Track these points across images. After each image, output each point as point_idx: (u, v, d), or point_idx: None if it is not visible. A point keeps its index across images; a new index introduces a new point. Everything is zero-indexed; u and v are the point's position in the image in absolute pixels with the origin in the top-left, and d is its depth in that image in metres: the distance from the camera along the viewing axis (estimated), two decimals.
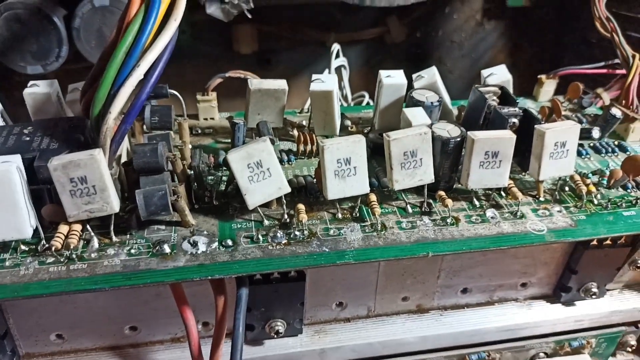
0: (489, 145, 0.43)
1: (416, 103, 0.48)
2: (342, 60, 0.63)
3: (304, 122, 0.54)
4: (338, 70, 0.66)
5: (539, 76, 0.61)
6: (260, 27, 0.86)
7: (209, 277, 0.38)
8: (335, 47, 0.61)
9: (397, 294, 0.48)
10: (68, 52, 0.66)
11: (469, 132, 0.43)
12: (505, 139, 0.43)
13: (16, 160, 0.37)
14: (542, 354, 0.53)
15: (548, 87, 0.61)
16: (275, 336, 0.46)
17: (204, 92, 0.54)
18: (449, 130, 0.44)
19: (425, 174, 0.43)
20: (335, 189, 0.42)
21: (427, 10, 0.88)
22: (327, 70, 0.58)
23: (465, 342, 0.50)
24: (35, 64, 0.65)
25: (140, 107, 0.40)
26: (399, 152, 0.42)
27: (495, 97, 0.50)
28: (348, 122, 0.53)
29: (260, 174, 0.41)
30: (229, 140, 0.52)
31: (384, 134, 0.42)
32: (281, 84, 0.49)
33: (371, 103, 0.71)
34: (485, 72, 0.53)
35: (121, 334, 0.45)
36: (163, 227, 0.42)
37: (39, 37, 0.64)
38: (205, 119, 0.55)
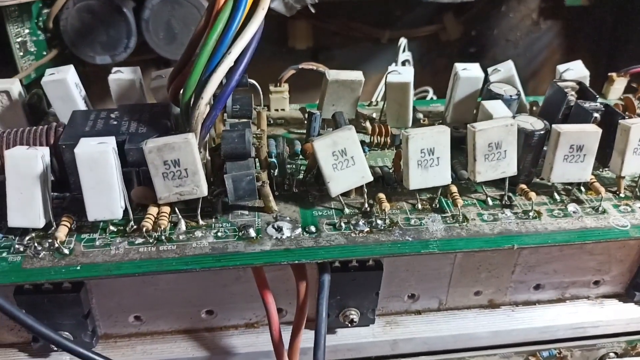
0: (574, 138, 0.42)
1: (494, 96, 0.48)
2: (407, 55, 0.63)
3: (374, 115, 0.54)
4: (403, 64, 0.66)
5: (609, 74, 0.60)
6: (316, 23, 0.86)
7: (296, 262, 0.38)
8: (403, 41, 0.61)
9: (470, 287, 0.48)
10: (136, 44, 0.67)
11: (554, 125, 0.43)
12: (591, 132, 0.42)
13: (111, 141, 0.38)
14: (612, 354, 0.52)
15: (618, 85, 0.60)
16: (349, 325, 0.46)
17: (276, 83, 0.55)
18: (532, 123, 0.44)
19: (509, 167, 0.43)
20: (417, 179, 0.42)
21: (484, 9, 0.88)
22: (392, 65, 0.58)
23: (536, 339, 0.50)
24: (103, 55, 0.67)
25: (231, 93, 0.40)
26: (484, 143, 0.41)
27: (573, 92, 0.49)
28: (420, 115, 0.53)
29: (344, 162, 0.41)
30: (302, 131, 0.52)
31: (468, 125, 0.42)
32: (357, 75, 0.49)
33: (435, 98, 0.71)
34: (561, 67, 0.53)
35: (197, 317, 0.46)
36: (247, 212, 0.42)
37: (109, 28, 0.66)
38: (277, 110, 0.55)
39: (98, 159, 0.37)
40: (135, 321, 0.45)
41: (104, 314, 0.45)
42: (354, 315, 0.46)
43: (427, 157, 0.41)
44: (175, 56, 0.67)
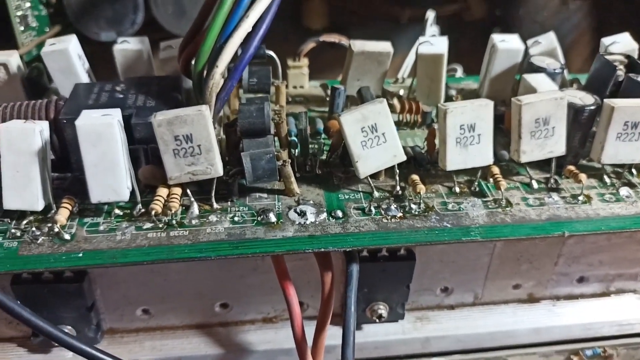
0: (629, 114, 0.38)
1: (536, 70, 0.44)
2: (435, 30, 0.58)
3: (401, 92, 0.50)
4: None
5: None
6: (331, 1, 0.82)
7: (322, 250, 0.34)
8: (430, 14, 0.57)
9: (509, 280, 0.44)
10: (143, 19, 0.63)
11: (606, 100, 0.38)
12: None
13: (116, 114, 0.34)
14: None
15: None
16: (377, 320, 0.42)
17: (295, 57, 0.50)
18: (581, 98, 0.40)
19: (557, 145, 0.38)
20: (455, 159, 0.38)
21: None
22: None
23: (579, 336, 0.45)
24: (109, 31, 0.63)
25: (248, 62, 0.36)
26: (530, 118, 0.37)
27: (621, 66, 0.45)
28: (453, 92, 0.49)
29: (374, 139, 0.37)
30: (323, 109, 0.48)
31: (513, 99, 0.38)
32: (386, 46, 0.45)
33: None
34: (606, 40, 0.48)
35: (211, 311, 0.42)
36: (265, 195, 0.38)
37: (115, 3, 0.61)
38: (295, 87, 0.51)
39: (102, 133, 0.33)
40: (143, 315, 0.42)
41: (110, 307, 0.41)
42: (382, 310, 0.42)
43: (467, 134, 0.37)
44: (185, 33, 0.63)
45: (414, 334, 0.43)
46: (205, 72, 0.36)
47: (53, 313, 0.39)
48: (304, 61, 0.50)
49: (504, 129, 0.44)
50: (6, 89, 0.44)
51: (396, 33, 0.83)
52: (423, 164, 0.41)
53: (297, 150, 0.41)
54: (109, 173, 0.34)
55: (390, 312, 0.42)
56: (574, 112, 0.39)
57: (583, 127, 0.40)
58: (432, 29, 0.56)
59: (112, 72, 0.47)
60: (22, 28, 0.57)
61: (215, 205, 0.37)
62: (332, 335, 0.39)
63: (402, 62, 0.64)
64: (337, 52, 0.57)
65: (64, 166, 0.39)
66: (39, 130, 0.34)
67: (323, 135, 0.44)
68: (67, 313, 0.39)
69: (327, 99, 0.49)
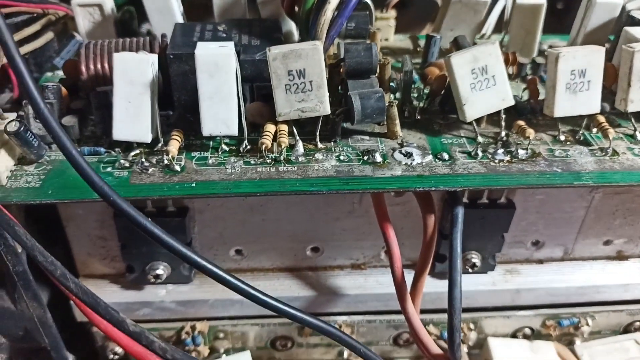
0: None
1: (637, 23, 0.43)
2: None
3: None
4: None
5: None
6: None
7: (432, 189, 0.34)
8: None
9: (601, 236, 0.43)
10: None
11: None
12: None
13: (231, 46, 0.34)
14: None
15: None
16: (470, 270, 0.42)
17: (382, 8, 0.50)
18: None
19: None
20: (564, 105, 0.37)
21: None
22: None
23: None
24: None
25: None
26: None
27: None
28: (545, 46, 0.48)
29: (484, 81, 0.36)
30: (415, 61, 0.47)
31: (623, 46, 0.37)
32: None
33: None
34: None
35: (302, 254, 0.42)
36: (367, 137, 0.38)
37: None
38: (380, 40, 0.50)
39: (220, 63, 0.33)
40: (236, 255, 0.42)
41: (205, 245, 0.41)
42: (476, 259, 0.42)
43: (577, 80, 0.36)
44: None
45: (505, 285, 0.43)
46: (314, 10, 0.36)
47: (151, 248, 0.39)
48: (392, 12, 0.50)
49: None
50: (99, 30, 0.45)
51: None
52: (524, 113, 0.40)
53: (394, 96, 0.41)
54: (223, 106, 0.34)
55: (482, 262, 0.42)
56: None
57: None
58: None
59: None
60: None
61: (320, 145, 0.37)
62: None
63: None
64: (417, 8, 0.57)
65: (165, 104, 0.39)
66: (151, 62, 0.34)
67: (416, 84, 0.44)
68: (163, 249, 0.40)
69: (418, 50, 0.48)
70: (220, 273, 0.30)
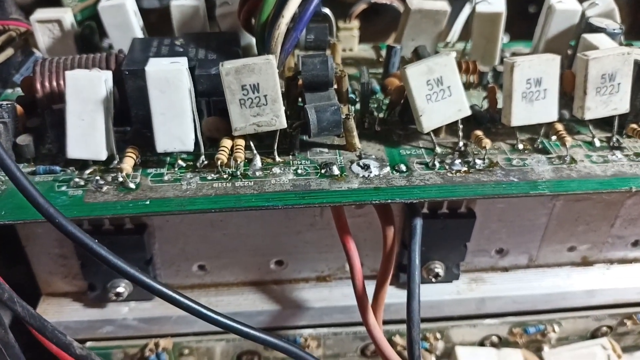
0: None
1: (595, 30, 0.43)
2: None
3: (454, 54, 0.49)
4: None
5: None
6: None
7: (388, 201, 0.34)
8: None
9: (564, 242, 0.43)
10: None
11: None
12: None
13: (184, 62, 0.34)
14: None
15: None
16: (434, 280, 0.42)
17: (345, 19, 0.50)
18: None
19: (621, 102, 0.38)
20: (521, 114, 0.37)
21: None
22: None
23: (634, 300, 0.45)
24: None
25: (314, 12, 0.36)
26: (597, 74, 0.37)
27: None
28: (507, 54, 0.49)
29: (439, 92, 0.36)
30: (375, 71, 0.47)
31: (579, 54, 0.37)
32: (443, 4, 0.44)
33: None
34: (585, 4, 0.47)
35: (266, 268, 0.42)
36: (326, 150, 0.38)
37: None
38: (344, 50, 0.50)
39: (171, 79, 0.33)
40: (199, 270, 0.42)
41: (166, 262, 0.41)
42: (439, 268, 0.42)
43: (533, 89, 0.37)
44: None
45: (470, 294, 0.43)
46: (268, 24, 0.36)
47: None
48: (354, 23, 0.50)
49: (561, 91, 0.43)
50: (59, 45, 0.44)
51: None
52: (483, 122, 0.41)
53: (353, 108, 0.41)
54: (176, 122, 0.34)
55: (446, 271, 0.42)
56: (639, 69, 0.38)
57: None
58: None
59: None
60: None
61: (278, 159, 0.37)
62: (388, 294, 0.39)
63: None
64: (382, 17, 0.57)
65: (122, 120, 0.39)
66: (104, 79, 0.34)
67: (378, 95, 0.44)
68: None
69: (380, 60, 0.48)
70: (165, 290, 0.30)
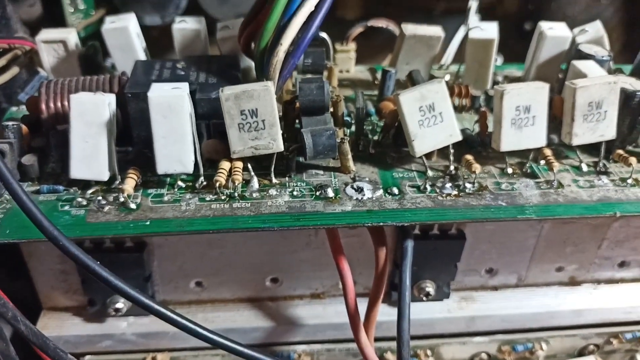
0: None
1: (584, 57, 0.44)
2: (477, 19, 0.59)
3: (447, 78, 0.50)
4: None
5: None
6: None
7: (380, 224, 0.35)
8: (473, 3, 0.57)
9: (553, 263, 0.45)
10: (187, 4, 0.64)
11: None
12: None
13: (185, 87, 0.35)
14: None
15: None
16: (425, 298, 0.43)
17: (342, 41, 0.51)
18: (632, 84, 0.40)
19: (608, 129, 0.39)
20: (510, 140, 0.38)
21: None
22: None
23: (620, 319, 0.46)
24: (153, 15, 0.64)
25: (311, 40, 0.37)
26: (584, 102, 0.38)
27: None
28: (499, 78, 0.50)
29: (431, 118, 0.37)
30: (370, 93, 0.49)
31: (567, 82, 0.38)
32: (437, 30, 0.46)
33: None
34: (576, 30, 0.48)
35: (262, 285, 0.43)
36: (322, 172, 0.39)
37: None
38: (341, 72, 0.52)
39: (173, 105, 0.34)
40: (196, 287, 0.43)
41: (165, 278, 0.42)
42: (430, 287, 0.43)
43: (522, 116, 0.38)
44: (227, 17, 0.63)
45: (460, 313, 0.44)
46: (267, 50, 0.37)
47: None
48: (351, 45, 0.51)
49: (551, 115, 0.44)
50: (64, 66, 0.46)
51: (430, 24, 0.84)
52: (474, 145, 0.42)
53: (349, 130, 0.42)
54: (177, 145, 0.35)
55: (437, 290, 0.43)
56: (625, 97, 0.40)
57: (633, 112, 0.40)
58: (474, 17, 0.57)
59: (160, 55, 0.49)
60: (71, 10, 0.58)
61: (274, 180, 0.38)
62: (380, 312, 0.40)
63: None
64: (381, 38, 0.58)
65: (124, 141, 0.40)
66: (108, 102, 0.35)
67: (372, 118, 0.45)
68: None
69: (376, 82, 0.50)
70: (163, 311, 0.31)
